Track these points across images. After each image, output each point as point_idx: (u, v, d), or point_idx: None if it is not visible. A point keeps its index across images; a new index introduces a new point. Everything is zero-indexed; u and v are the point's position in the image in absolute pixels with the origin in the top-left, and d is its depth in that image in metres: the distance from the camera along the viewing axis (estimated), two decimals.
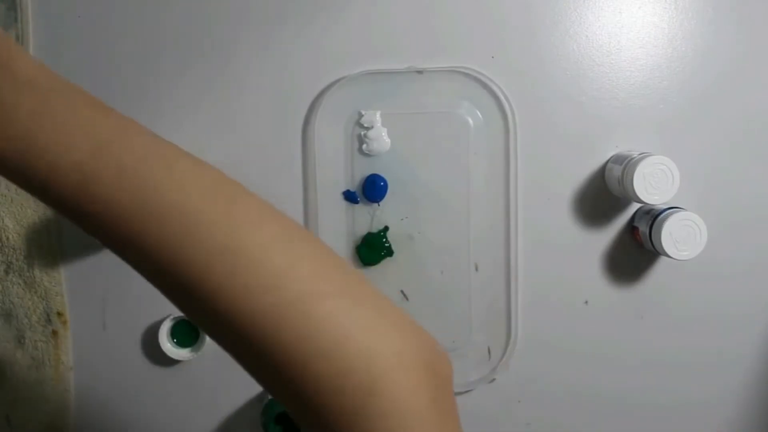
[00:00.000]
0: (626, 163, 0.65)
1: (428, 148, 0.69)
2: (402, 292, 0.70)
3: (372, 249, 0.70)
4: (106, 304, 0.71)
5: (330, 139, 0.69)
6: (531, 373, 0.71)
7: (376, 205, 0.70)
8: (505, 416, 0.72)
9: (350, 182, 0.70)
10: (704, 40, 0.69)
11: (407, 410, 0.31)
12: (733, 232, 0.69)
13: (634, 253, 0.70)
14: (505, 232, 0.69)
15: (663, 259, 0.70)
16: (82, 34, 0.69)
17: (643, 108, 0.69)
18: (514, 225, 0.69)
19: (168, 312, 0.70)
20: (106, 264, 0.71)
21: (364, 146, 0.69)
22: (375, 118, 0.68)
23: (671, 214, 0.63)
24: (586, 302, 0.71)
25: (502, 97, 0.68)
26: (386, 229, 0.70)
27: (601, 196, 0.70)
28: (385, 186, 0.69)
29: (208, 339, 0.69)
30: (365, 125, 0.69)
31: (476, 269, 0.70)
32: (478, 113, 0.69)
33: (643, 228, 0.67)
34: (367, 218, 0.70)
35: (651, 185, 0.63)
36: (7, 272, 0.70)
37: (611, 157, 0.69)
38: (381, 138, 0.69)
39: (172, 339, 0.70)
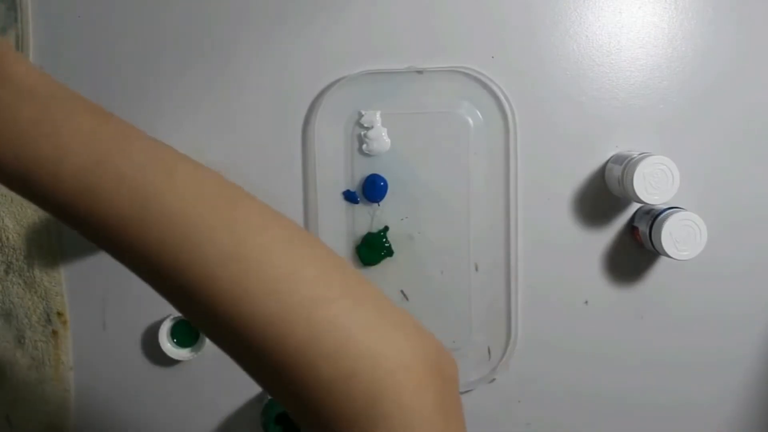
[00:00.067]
0: (626, 163, 0.65)
1: (428, 148, 0.69)
2: (402, 292, 0.70)
3: (372, 249, 0.70)
4: (106, 304, 0.71)
5: (330, 139, 0.69)
6: (531, 373, 0.71)
7: (376, 205, 0.70)
8: (505, 416, 0.72)
9: (350, 182, 0.70)
10: (704, 40, 0.69)
11: (412, 412, 0.31)
12: (733, 232, 0.69)
13: (634, 253, 0.70)
14: (505, 232, 0.69)
15: (663, 259, 0.70)
16: (82, 34, 0.69)
17: (643, 108, 0.69)
18: (514, 225, 0.69)
19: (168, 312, 0.70)
20: (106, 264, 0.71)
21: (364, 146, 0.69)
22: (375, 118, 0.68)
23: (671, 214, 0.63)
24: (586, 302, 0.71)
25: (502, 97, 0.68)
26: (386, 229, 0.70)
27: (601, 196, 0.70)
28: (385, 186, 0.69)
29: (208, 339, 0.69)
30: (365, 125, 0.69)
31: (476, 269, 0.70)
32: (478, 113, 0.69)
33: (643, 228, 0.67)
34: (367, 218, 0.70)
35: (651, 185, 0.63)
36: (7, 272, 0.70)
37: (611, 157, 0.69)
38: (381, 138, 0.69)
39: (172, 339, 0.70)
